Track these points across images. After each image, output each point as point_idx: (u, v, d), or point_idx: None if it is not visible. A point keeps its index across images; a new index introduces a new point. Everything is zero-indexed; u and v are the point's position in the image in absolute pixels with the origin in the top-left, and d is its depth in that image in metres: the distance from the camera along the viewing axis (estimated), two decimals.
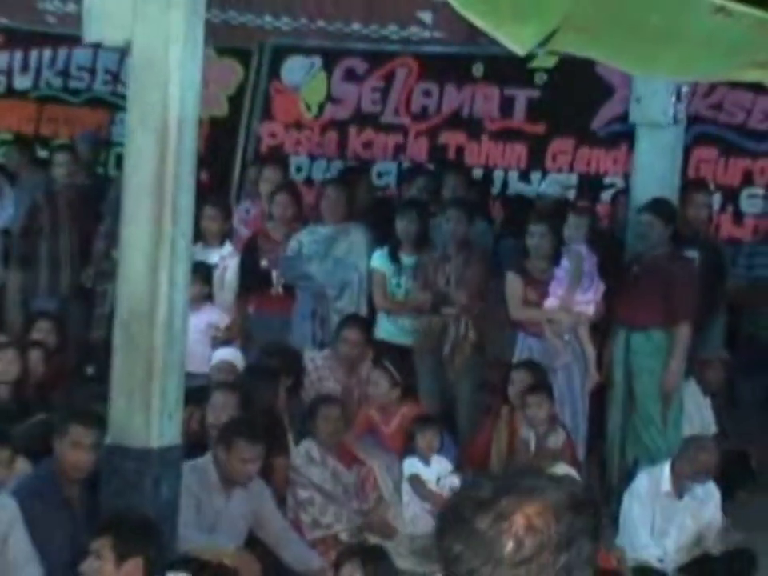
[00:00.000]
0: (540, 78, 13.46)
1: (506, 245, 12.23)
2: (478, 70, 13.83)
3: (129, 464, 7.68)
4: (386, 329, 11.53)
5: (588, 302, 10.89)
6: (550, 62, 12.28)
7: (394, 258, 11.45)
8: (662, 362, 10.69)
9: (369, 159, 14.00)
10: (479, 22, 4.03)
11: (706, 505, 9.51)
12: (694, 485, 9.42)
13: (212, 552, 8.23)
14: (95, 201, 12.79)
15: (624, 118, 12.26)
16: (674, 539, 9.35)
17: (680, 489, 9.39)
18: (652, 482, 9.46)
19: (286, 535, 8.81)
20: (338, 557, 7.45)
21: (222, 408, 9.26)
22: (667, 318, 10.65)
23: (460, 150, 13.84)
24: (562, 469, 9.51)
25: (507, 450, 10.22)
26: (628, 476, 9.93)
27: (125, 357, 7.70)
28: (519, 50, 4.06)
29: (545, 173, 13.58)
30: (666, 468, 9.46)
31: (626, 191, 12.37)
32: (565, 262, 10.95)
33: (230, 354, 10.74)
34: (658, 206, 10.82)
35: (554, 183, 13.44)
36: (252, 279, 11.79)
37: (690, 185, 12.00)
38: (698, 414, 10.70)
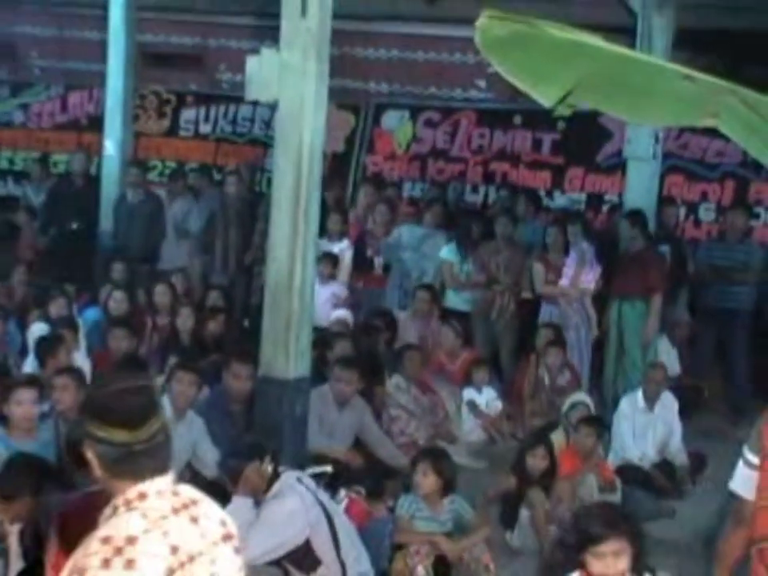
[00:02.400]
0: (560, 125, 13.36)
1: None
2: (517, 119, 13.73)
3: (273, 390, 7.65)
4: (453, 300, 11.43)
5: (590, 281, 10.88)
6: (568, 112, 12.14)
7: (459, 250, 11.39)
8: (643, 322, 10.63)
9: (442, 182, 13.89)
10: (519, 84, 3.91)
11: (670, 410, 9.40)
12: (658, 396, 9.34)
13: (330, 450, 8.21)
14: (253, 209, 12.79)
15: (619, 153, 12.19)
16: (650, 441, 9.24)
17: (650, 403, 9.30)
18: (631, 402, 9.39)
19: (381, 440, 8.76)
20: (414, 457, 7.35)
21: (338, 351, 9.26)
22: (645, 291, 10.59)
23: (504, 176, 13.73)
24: (580, 396, 9.46)
25: (534, 384, 10.20)
26: (617, 402, 9.82)
27: (272, 315, 7.66)
28: (546, 104, 3.95)
29: (563, 192, 13.47)
30: (639, 392, 9.40)
31: (619, 205, 12.28)
32: (572, 254, 10.99)
33: (344, 314, 10.75)
34: (634, 215, 10.90)
35: (569, 199, 13.38)
36: (361, 264, 11.78)
37: (664, 201, 12.02)
38: (667, 359, 10.61)
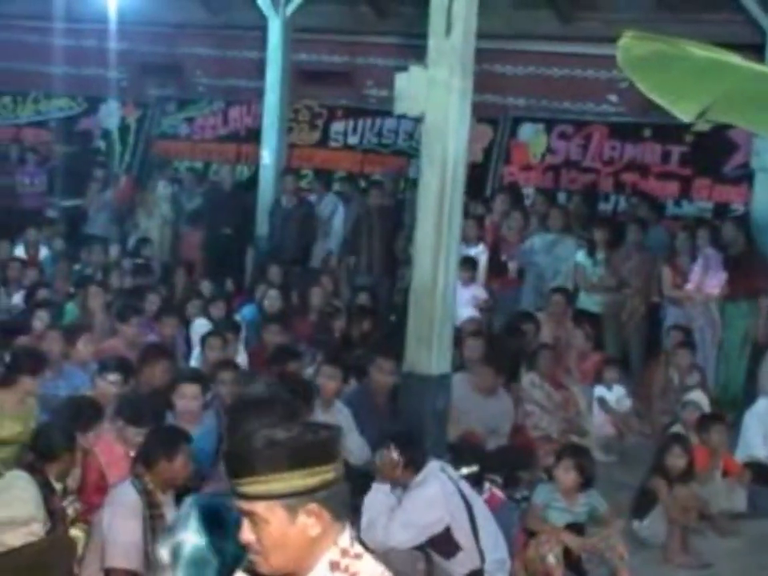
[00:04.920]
0: (688, 138, 13.08)
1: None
2: (647, 132, 13.46)
3: (416, 384, 7.66)
4: (585, 302, 11.32)
5: (714, 286, 10.67)
6: (706, 127, 11.94)
7: (591, 255, 11.25)
8: (746, 322, 10.62)
9: (573, 190, 13.73)
10: (659, 100, 3.83)
11: None
12: None
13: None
14: (396, 215, 12.83)
15: (745, 165, 11.92)
16: None
17: None
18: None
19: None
20: (557, 454, 7.27)
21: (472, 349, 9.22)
22: (751, 292, 10.59)
23: (634, 186, 13.51)
24: (698, 395, 9.29)
25: (663, 383, 10.01)
26: (745, 399, 9.60)
27: (416, 315, 7.67)
28: (686, 120, 3.86)
29: (691, 201, 13.19)
30: None
31: (746, 215, 11.98)
32: (699, 259, 10.77)
33: (477, 314, 10.70)
34: (737, 219, 11.07)
35: (697, 208, 13.11)
36: (495, 267, 11.72)
37: None
38: None
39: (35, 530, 5.76)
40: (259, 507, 2.56)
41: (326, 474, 2.56)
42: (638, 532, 7.69)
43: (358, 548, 2.64)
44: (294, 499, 2.54)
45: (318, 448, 2.57)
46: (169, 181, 14.54)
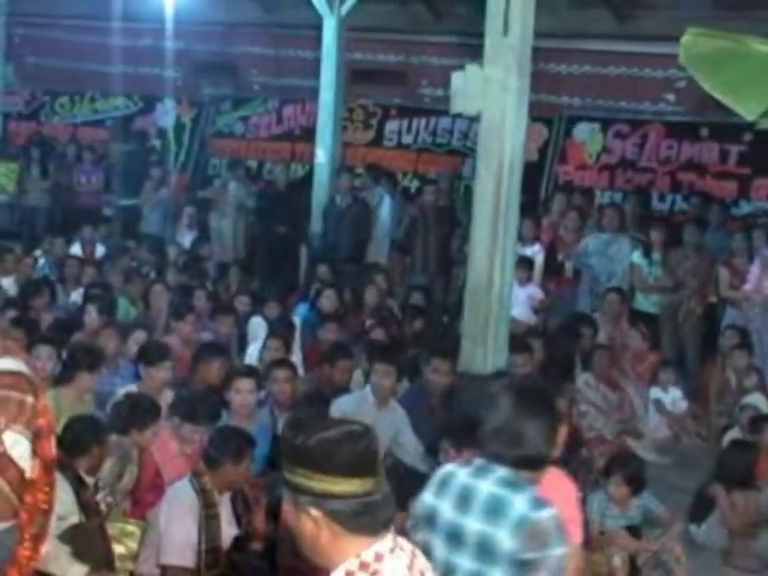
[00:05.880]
0: (747, 137, 12.95)
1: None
2: (703, 132, 13.36)
3: (472, 383, 7.64)
4: (641, 302, 11.24)
5: None
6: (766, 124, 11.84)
7: (647, 255, 11.17)
8: None
9: (625, 190, 13.63)
10: (721, 98, 3.79)
11: None
12: None
13: None
14: (451, 215, 12.81)
15: None
16: None
17: None
18: None
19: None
20: (607, 465, 7.19)
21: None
22: None
23: (691, 185, 13.40)
24: (755, 398, 9.19)
25: (720, 385, 9.91)
26: None
27: (471, 314, 7.66)
28: (748, 117, 3.81)
29: (749, 201, 13.05)
30: None
31: None
32: (756, 260, 10.68)
33: (526, 317, 10.67)
34: None
35: (755, 207, 12.96)
36: (552, 267, 11.67)
37: None
38: None
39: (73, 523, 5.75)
40: (285, 494, 2.68)
41: (335, 485, 2.58)
42: (695, 536, 7.61)
43: (384, 566, 2.62)
44: (297, 496, 2.62)
45: (327, 456, 2.59)
46: (239, 180, 14.61)
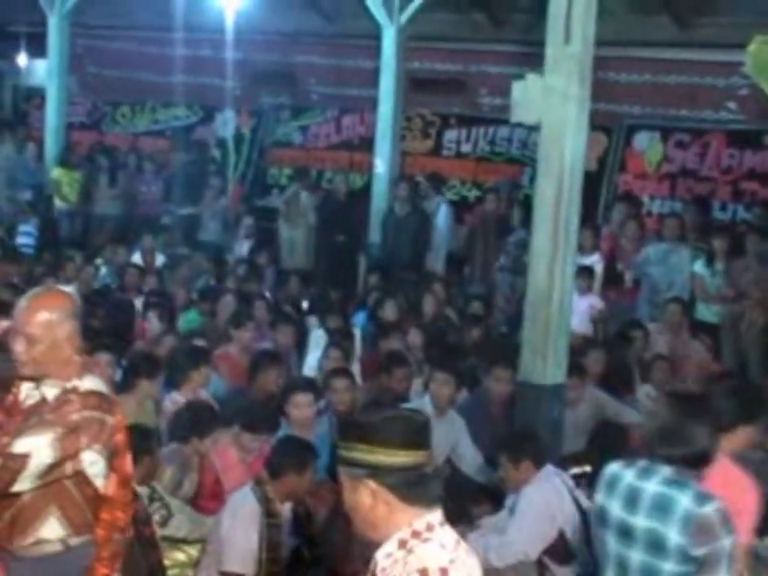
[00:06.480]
0: None
1: None
2: (766, 140, 13.23)
3: (531, 394, 7.60)
4: (702, 312, 11.13)
5: None
6: None
7: (709, 265, 11.06)
8: None
9: (686, 200, 13.50)
10: None
11: None
12: None
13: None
14: (509, 222, 12.77)
15: None
16: None
17: None
18: None
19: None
20: None
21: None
22: None
23: (753, 194, 13.25)
24: None
25: None
26: None
27: (531, 324, 7.60)
28: None
29: None
30: None
31: None
32: None
33: (585, 327, 10.62)
34: None
35: None
36: (612, 277, 11.59)
37: None
38: None
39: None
40: (342, 471, 2.85)
41: (394, 456, 2.75)
42: (758, 550, 7.49)
43: (435, 535, 2.77)
44: (355, 470, 2.79)
45: (386, 430, 2.76)
46: (308, 189, 14.65)
